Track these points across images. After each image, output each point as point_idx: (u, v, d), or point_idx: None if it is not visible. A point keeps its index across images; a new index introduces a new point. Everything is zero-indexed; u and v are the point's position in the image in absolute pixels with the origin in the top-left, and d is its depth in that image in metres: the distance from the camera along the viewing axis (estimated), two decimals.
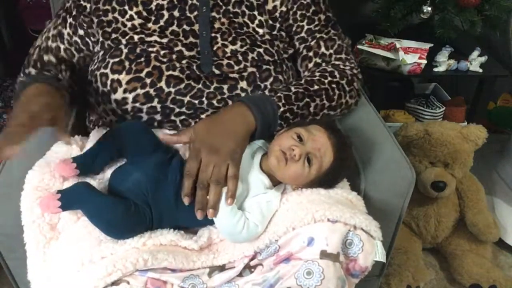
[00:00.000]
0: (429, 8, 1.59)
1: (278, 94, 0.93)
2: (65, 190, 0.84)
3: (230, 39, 0.97)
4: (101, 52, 0.97)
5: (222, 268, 0.82)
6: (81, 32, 1.01)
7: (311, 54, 1.05)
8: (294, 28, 1.04)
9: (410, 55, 1.58)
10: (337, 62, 1.05)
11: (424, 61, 1.59)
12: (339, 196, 0.87)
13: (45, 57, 1.02)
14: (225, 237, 0.83)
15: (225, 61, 0.95)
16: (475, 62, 1.64)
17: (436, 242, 1.57)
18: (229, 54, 0.96)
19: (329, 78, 1.00)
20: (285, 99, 0.93)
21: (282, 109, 0.92)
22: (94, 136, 0.95)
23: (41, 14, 1.79)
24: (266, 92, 0.96)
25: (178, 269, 0.80)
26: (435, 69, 1.65)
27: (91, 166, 0.90)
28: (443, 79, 1.98)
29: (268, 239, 0.81)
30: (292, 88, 0.96)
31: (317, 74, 1.01)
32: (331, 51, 1.05)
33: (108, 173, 0.90)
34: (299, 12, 1.03)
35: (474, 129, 1.44)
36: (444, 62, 1.63)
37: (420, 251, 1.53)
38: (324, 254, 0.76)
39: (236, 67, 0.95)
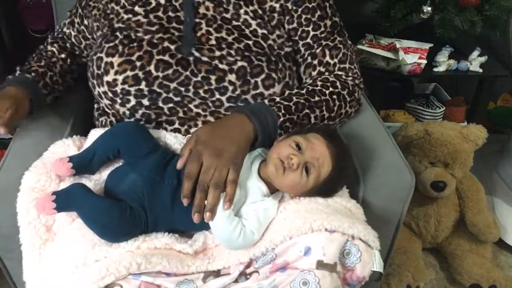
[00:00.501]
0: (429, 8, 1.59)
1: (278, 104, 0.93)
2: (60, 192, 0.83)
3: (215, 25, 0.97)
4: (99, 39, 1.01)
5: (217, 274, 0.82)
6: (86, 22, 1.08)
7: (315, 62, 1.04)
8: (299, 33, 1.03)
9: (410, 55, 1.58)
10: (340, 73, 1.04)
11: (424, 61, 1.59)
12: (337, 205, 0.86)
13: (49, 48, 1.12)
14: (221, 243, 0.83)
15: (206, 46, 0.95)
16: (475, 62, 1.65)
17: (436, 242, 1.57)
18: (213, 42, 0.96)
19: (331, 89, 0.99)
20: (285, 109, 0.92)
21: (282, 118, 0.91)
22: (92, 136, 0.95)
23: (41, 14, 1.79)
24: (259, 90, 0.95)
25: (172, 273, 0.79)
26: (435, 69, 1.65)
27: (87, 165, 0.89)
28: (443, 79, 1.98)
29: (265, 247, 0.80)
30: (294, 98, 0.95)
31: (319, 83, 1.00)
32: (336, 60, 1.04)
33: (104, 174, 0.90)
34: (304, 16, 1.01)
35: (474, 129, 1.44)
36: (444, 62, 1.63)
37: (420, 251, 1.53)
38: (320, 264, 0.76)
39: (218, 53, 0.94)
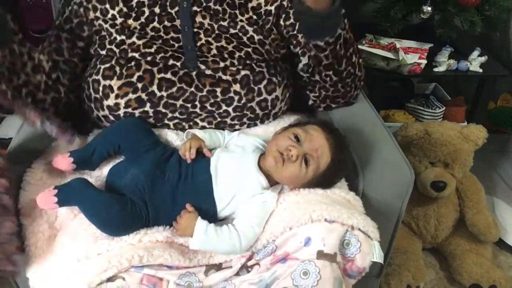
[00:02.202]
0: (429, 8, 1.59)
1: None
2: (62, 186, 0.84)
3: (213, 35, 0.97)
4: (94, 59, 0.98)
5: (219, 267, 0.82)
6: (80, 44, 1.01)
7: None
8: (297, 27, 1.03)
9: (410, 55, 1.58)
10: None
11: (424, 61, 1.59)
12: (337, 196, 0.87)
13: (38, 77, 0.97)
14: (231, 256, 0.83)
15: (210, 58, 0.95)
16: (475, 62, 1.64)
17: (436, 242, 1.57)
18: (215, 51, 0.96)
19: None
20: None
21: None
22: (94, 136, 0.96)
23: (41, 14, 1.79)
24: (263, 96, 0.96)
25: (174, 266, 0.80)
26: (435, 69, 1.65)
27: (88, 161, 0.90)
28: (443, 79, 1.98)
29: (266, 239, 0.81)
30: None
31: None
32: None
33: (105, 170, 0.90)
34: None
35: (474, 129, 1.45)
36: (444, 62, 1.63)
37: (420, 251, 1.53)
38: (320, 254, 0.76)
39: (222, 64, 0.94)
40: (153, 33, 0.96)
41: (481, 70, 1.66)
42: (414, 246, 1.51)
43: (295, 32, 1.04)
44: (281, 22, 1.03)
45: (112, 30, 0.96)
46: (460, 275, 1.48)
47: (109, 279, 0.76)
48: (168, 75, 0.93)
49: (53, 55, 1.00)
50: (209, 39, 0.96)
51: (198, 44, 0.96)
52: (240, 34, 0.98)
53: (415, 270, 1.44)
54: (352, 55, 0.99)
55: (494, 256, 1.59)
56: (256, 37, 0.99)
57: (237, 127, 0.99)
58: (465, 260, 1.49)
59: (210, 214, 0.86)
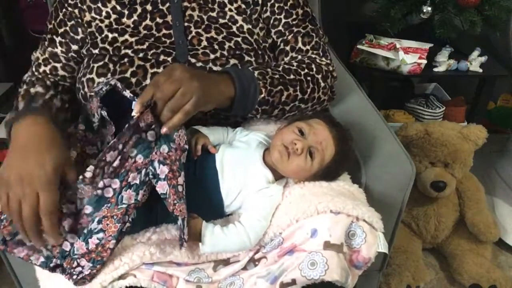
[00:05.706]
0: (429, 8, 1.60)
1: (261, 80, 0.90)
2: None
3: (203, 26, 0.98)
4: (86, 59, 0.98)
5: (226, 262, 0.83)
6: (74, 47, 1.00)
7: (288, 48, 1.04)
8: (271, 21, 1.04)
9: (410, 55, 1.58)
10: (314, 56, 1.05)
11: (424, 61, 1.60)
12: (341, 188, 0.88)
13: (32, 90, 0.96)
14: (242, 251, 0.84)
15: (200, 50, 0.95)
16: (475, 62, 1.65)
17: (436, 242, 1.57)
18: (205, 43, 0.96)
19: (306, 70, 0.98)
20: (268, 85, 0.90)
21: (262, 95, 0.89)
22: None
23: (41, 14, 1.79)
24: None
25: (183, 263, 0.81)
26: (435, 69, 1.65)
27: None
28: (443, 79, 1.98)
29: (273, 232, 0.82)
30: (269, 72, 0.93)
31: (295, 64, 1.00)
32: (308, 47, 1.04)
33: None
34: (276, 5, 1.03)
35: (474, 129, 1.45)
36: (444, 62, 1.64)
37: (420, 251, 1.53)
38: (327, 245, 0.77)
39: (212, 55, 0.95)
40: (145, 31, 0.97)
41: (481, 70, 1.66)
42: (414, 246, 1.51)
43: (269, 26, 1.04)
44: (262, 14, 1.04)
45: (105, 29, 0.97)
46: (460, 275, 1.49)
47: (121, 277, 0.77)
48: (160, 70, 0.93)
49: (51, 62, 1.00)
50: (199, 30, 0.97)
51: (189, 37, 0.97)
52: (230, 23, 0.99)
53: (415, 270, 1.44)
54: (289, 104, 0.96)
55: (494, 256, 1.60)
56: (245, 27, 1.00)
57: (232, 118, 0.99)
58: (465, 260, 1.49)
59: (218, 209, 0.86)
